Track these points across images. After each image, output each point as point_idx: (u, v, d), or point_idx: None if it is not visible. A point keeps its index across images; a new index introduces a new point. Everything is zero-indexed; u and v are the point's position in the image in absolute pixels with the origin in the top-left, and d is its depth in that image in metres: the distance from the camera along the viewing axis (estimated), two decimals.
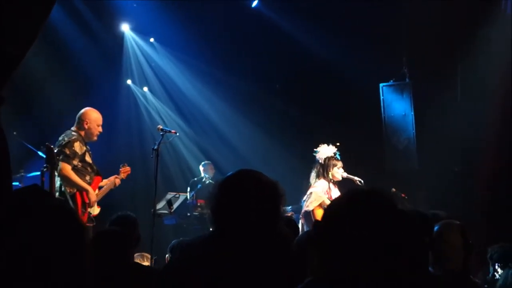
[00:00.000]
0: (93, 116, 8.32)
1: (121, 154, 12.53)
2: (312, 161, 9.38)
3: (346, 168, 9.28)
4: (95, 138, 8.30)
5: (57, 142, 7.96)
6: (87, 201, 7.90)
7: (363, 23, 12.01)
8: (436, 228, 4.03)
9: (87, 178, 8.10)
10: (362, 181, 9.31)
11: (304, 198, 9.20)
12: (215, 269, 2.63)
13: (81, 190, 7.92)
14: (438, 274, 3.79)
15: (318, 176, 9.18)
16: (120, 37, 13.49)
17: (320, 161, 9.21)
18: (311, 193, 8.99)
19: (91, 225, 7.88)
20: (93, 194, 8.01)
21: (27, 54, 3.33)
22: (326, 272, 2.08)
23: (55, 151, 7.53)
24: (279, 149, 13.01)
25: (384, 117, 12.21)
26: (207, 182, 12.18)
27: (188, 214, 12.24)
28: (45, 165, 7.09)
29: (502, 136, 11.01)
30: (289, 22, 12.67)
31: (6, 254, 2.42)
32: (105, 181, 8.48)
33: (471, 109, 11.43)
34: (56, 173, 7.49)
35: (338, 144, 9.31)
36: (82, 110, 8.35)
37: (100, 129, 8.33)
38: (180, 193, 11.48)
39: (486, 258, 5.98)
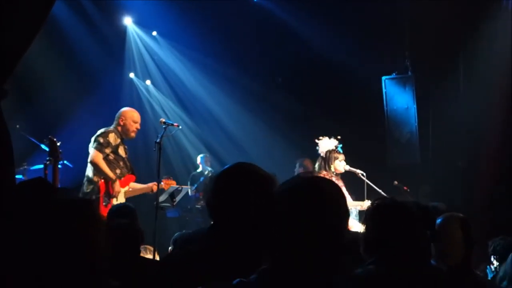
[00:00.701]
0: (129, 113, 8.70)
1: None
2: (314, 154, 9.39)
3: (348, 161, 9.28)
4: (132, 134, 8.66)
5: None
6: (111, 191, 8.08)
7: (366, 16, 11.98)
8: (438, 221, 4.03)
9: (117, 171, 8.31)
10: (365, 174, 9.32)
11: None
12: (211, 263, 2.64)
13: (107, 179, 8.11)
14: (440, 267, 3.80)
15: (320, 169, 9.19)
16: (123, 30, 13.49)
17: (321, 155, 9.22)
18: None
19: None
20: (118, 185, 8.19)
21: (30, 48, 3.34)
22: (274, 262, 2.09)
23: (93, 139, 8.10)
24: (281, 142, 13.01)
25: (387, 110, 12.20)
26: (209, 175, 12.22)
27: (190, 207, 12.28)
28: (48, 158, 7.12)
29: (506, 129, 11.00)
30: (291, 15, 12.66)
31: (8, 246, 2.43)
32: (139, 185, 8.69)
33: (473, 102, 11.41)
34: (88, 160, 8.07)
35: (339, 137, 9.31)
36: (120, 110, 8.77)
37: (138, 126, 8.70)
38: (183, 186, 11.49)
39: (487, 251, 5.99)
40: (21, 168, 9.59)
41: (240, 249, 2.66)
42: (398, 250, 3.03)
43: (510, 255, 4.65)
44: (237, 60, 13.23)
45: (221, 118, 14.04)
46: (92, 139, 8.28)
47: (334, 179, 9.13)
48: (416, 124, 11.92)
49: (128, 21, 13.41)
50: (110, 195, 8.14)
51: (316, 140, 9.31)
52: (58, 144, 7.32)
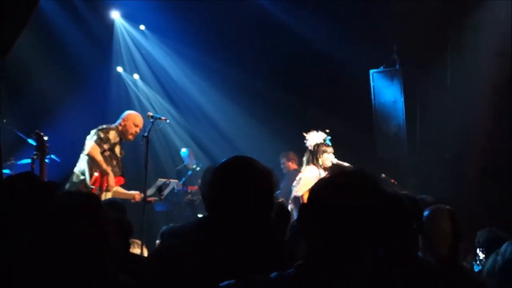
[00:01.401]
0: (132, 115, 8.80)
1: None
2: (302, 146, 9.41)
3: (336, 155, 9.30)
4: (130, 137, 8.74)
5: None
6: (105, 184, 8.09)
7: (354, 9, 11.99)
8: (425, 213, 4.05)
9: (109, 168, 8.27)
10: (352, 167, 9.34)
11: (294, 184, 9.24)
12: (206, 257, 2.63)
13: (103, 173, 8.11)
14: (427, 259, 3.82)
15: (308, 163, 9.21)
16: (111, 24, 13.44)
17: (309, 148, 9.24)
18: (300, 178, 9.02)
19: None
20: (112, 180, 8.20)
21: (17, 42, 3.33)
22: (311, 258, 2.08)
23: (93, 132, 8.17)
24: (269, 135, 13.02)
25: (374, 103, 12.22)
26: (197, 168, 12.22)
27: (177, 201, 12.28)
28: (35, 153, 7.12)
29: (493, 122, 11.05)
30: (280, 8, 12.64)
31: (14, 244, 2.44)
32: (124, 190, 8.76)
33: (461, 95, 11.44)
34: (83, 153, 8.16)
35: (328, 131, 9.33)
36: (126, 111, 8.94)
37: (138, 129, 8.74)
38: (171, 180, 11.49)
39: (475, 243, 6.02)
40: (8, 163, 9.56)
41: (238, 243, 2.66)
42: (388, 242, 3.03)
43: (501, 249, 4.67)
44: (224, 53, 13.23)
45: (209, 112, 14.03)
46: (92, 131, 8.33)
47: (322, 172, 9.16)
48: (404, 117, 11.94)
49: (115, 15, 13.36)
50: (103, 188, 8.14)
51: (304, 134, 9.33)
52: (45, 138, 7.31)
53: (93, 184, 8.12)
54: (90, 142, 8.23)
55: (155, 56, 13.95)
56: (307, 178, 8.99)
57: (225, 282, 2.11)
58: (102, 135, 8.29)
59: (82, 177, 8.20)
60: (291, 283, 2.05)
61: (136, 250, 6.96)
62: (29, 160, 7.52)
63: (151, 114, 8.98)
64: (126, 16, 13.51)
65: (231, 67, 13.24)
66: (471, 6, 11.30)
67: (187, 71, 13.79)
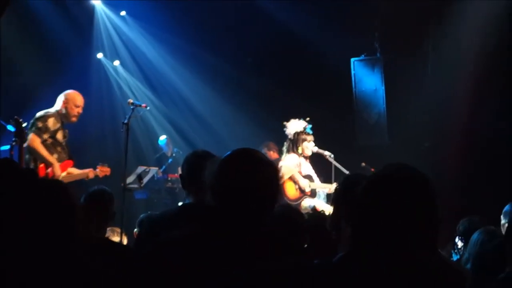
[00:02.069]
0: (72, 97, 8.52)
1: (92, 128, 12.47)
2: (282, 135, 9.41)
3: (316, 143, 9.31)
4: (74, 119, 8.48)
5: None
6: (51, 175, 7.93)
7: None
8: None
9: (55, 156, 8.12)
10: (332, 155, 9.36)
11: None
12: (212, 247, 2.63)
13: (47, 164, 7.97)
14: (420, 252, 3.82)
15: (288, 151, 9.22)
16: (91, 10, 13.34)
17: (289, 136, 9.24)
18: (281, 166, 9.02)
19: None
20: (58, 169, 8.04)
21: None
22: (358, 248, 2.12)
23: (31, 121, 7.68)
24: (250, 123, 13.00)
25: (355, 92, 12.25)
26: (177, 156, 12.21)
27: (158, 188, 12.27)
28: (14, 139, 7.08)
29: (473, 111, 11.11)
30: None
31: None
32: (77, 170, 8.53)
33: (442, 84, 11.49)
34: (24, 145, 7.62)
35: (308, 119, 9.33)
36: (63, 92, 8.53)
37: (80, 110, 8.51)
38: (151, 167, 11.48)
39: (455, 232, 6.06)
40: None
41: (243, 233, 2.67)
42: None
43: (472, 237, 4.71)
44: (206, 41, 13.17)
45: (189, 99, 13.98)
46: (31, 122, 8.08)
47: (302, 160, 9.17)
48: (384, 105, 12.00)
49: (96, 1, 13.27)
50: None
51: (284, 123, 9.32)
52: (24, 125, 7.28)
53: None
54: (29, 133, 7.96)
55: (136, 43, 13.86)
56: (288, 166, 9.01)
57: (264, 266, 2.17)
58: (40, 124, 8.09)
59: None
60: (336, 271, 2.08)
61: (115, 238, 6.97)
62: (8, 147, 7.48)
63: (132, 101, 8.95)
64: (107, 2, 13.42)
65: (212, 54, 13.20)
66: None
67: (168, 58, 13.73)
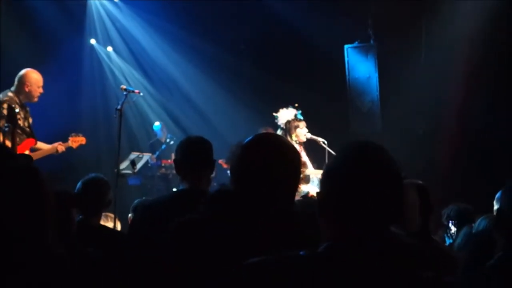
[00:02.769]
0: (34, 78, 8.31)
1: (84, 114, 12.47)
2: (275, 122, 9.41)
3: (310, 129, 9.31)
4: (36, 99, 8.32)
5: None
6: None
7: None
8: None
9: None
10: (326, 142, 9.37)
11: None
12: (231, 231, 2.62)
13: None
14: (398, 232, 3.84)
15: None
16: None
17: (281, 126, 9.24)
18: None
19: None
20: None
21: None
22: (341, 236, 2.06)
23: None
24: (244, 110, 12.99)
25: (349, 79, 12.24)
26: (171, 142, 12.18)
27: (151, 174, 12.26)
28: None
29: (467, 98, 11.13)
30: None
31: None
32: (45, 145, 8.43)
33: (435, 71, 11.49)
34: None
35: (296, 105, 9.32)
36: (22, 72, 8.32)
37: (41, 90, 8.32)
38: (144, 153, 11.47)
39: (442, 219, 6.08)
40: None
41: (258, 217, 2.65)
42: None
43: (477, 224, 4.73)
44: (200, 27, 13.13)
45: (183, 85, 13.97)
46: None
47: (297, 147, 9.18)
48: (378, 93, 12.00)
49: None
50: None
51: (274, 114, 9.33)
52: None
53: None
54: None
55: (129, 29, 13.82)
56: None
57: (254, 259, 2.09)
58: None
59: None
60: (322, 261, 2.04)
61: (109, 223, 6.96)
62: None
63: (124, 87, 8.92)
64: None
65: (205, 40, 13.14)
66: None
67: (161, 44, 13.69)
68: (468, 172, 10.84)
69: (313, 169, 9.28)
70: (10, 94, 8.08)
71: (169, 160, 12.00)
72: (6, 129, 7.04)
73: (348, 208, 2.03)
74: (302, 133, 9.18)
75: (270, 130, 10.99)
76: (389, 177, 2.10)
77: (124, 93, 8.67)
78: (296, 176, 2.76)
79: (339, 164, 2.13)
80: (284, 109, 9.28)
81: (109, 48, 13.83)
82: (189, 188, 4.02)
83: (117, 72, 13.79)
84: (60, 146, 8.44)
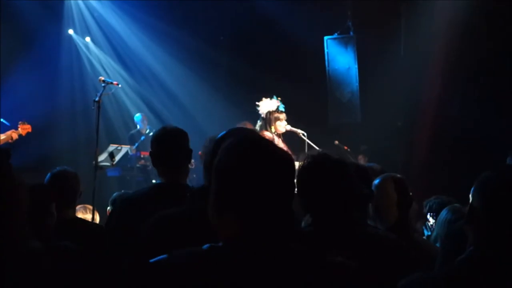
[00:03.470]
0: None
1: (62, 106, 12.37)
2: (255, 114, 9.39)
3: (289, 121, 9.30)
4: None
5: None
6: None
7: None
8: (375, 182, 4.08)
9: None
10: (305, 134, 9.37)
11: None
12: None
13: None
14: (376, 227, 3.85)
15: (261, 130, 9.20)
16: None
17: (262, 115, 9.22)
18: None
19: None
20: None
21: None
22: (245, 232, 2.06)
23: None
24: (223, 102, 12.98)
25: (328, 70, 12.26)
26: (150, 133, 12.12)
27: (130, 166, 12.21)
28: None
29: (445, 90, 11.18)
30: None
31: None
32: (1, 135, 8.43)
33: (414, 64, 11.52)
34: None
35: (280, 98, 9.31)
36: None
37: None
38: (123, 145, 11.41)
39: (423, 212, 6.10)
40: None
41: None
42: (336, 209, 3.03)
43: (440, 215, 4.75)
44: (179, 18, 13.07)
45: (162, 77, 13.91)
46: None
47: (276, 139, 9.17)
48: (357, 84, 12.03)
49: None
50: None
51: (257, 103, 9.30)
52: None
53: None
54: None
55: (108, 20, 13.73)
56: None
57: (158, 257, 2.08)
58: None
59: None
60: (223, 257, 2.03)
61: (87, 215, 6.92)
62: None
63: (103, 78, 8.85)
64: None
65: (184, 32, 13.10)
66: None
67: (140, 34, 13.63)
68: (445, 164, 10.90)
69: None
70: None
71: (148, 152, 11.95)
72: None
73: (242, 205, 2.04)
74: (281, 125, 9.16)
75: (248, 125, 11.00)
76: (278, 169, 2.16)
77: (103, 84, 8.62)
78: (288, 187, 2.58)
79: (231, 162, 2.14)
80: (268, 99, 9.26)
81: (87, 39, 13.74)
82: (167, 181, 3.97)
83: (95, 63, 13.71)
84: (14, 134, 8.47)
